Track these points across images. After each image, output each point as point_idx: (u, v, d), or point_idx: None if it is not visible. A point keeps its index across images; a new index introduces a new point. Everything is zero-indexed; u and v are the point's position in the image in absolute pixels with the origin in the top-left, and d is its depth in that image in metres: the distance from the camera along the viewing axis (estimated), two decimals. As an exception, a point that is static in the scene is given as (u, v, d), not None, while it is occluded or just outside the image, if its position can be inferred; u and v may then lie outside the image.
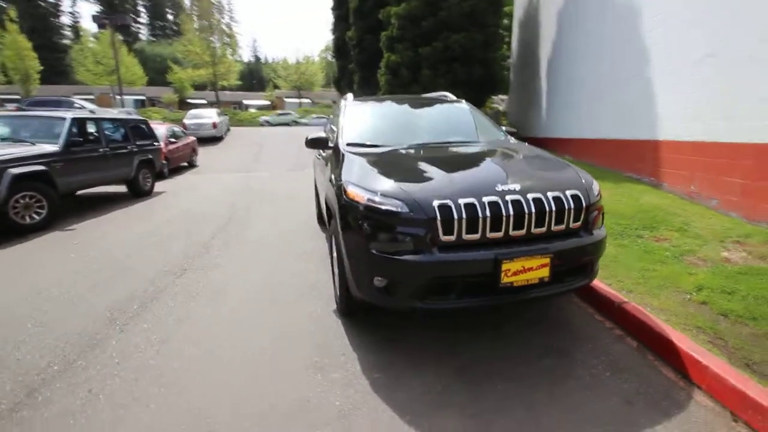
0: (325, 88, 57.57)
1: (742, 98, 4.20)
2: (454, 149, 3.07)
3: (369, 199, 2.18)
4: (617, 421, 1.79)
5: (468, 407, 1.89)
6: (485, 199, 2.07)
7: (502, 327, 2.60)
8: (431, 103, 3.93)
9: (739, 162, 4.27)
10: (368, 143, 3.11)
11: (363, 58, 14.93)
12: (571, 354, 2.30)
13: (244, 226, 5.42)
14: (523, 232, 2.09)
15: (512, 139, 3.49)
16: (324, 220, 4.86)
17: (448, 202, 2.05)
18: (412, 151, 2.94)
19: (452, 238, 2.04)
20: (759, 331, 2.27)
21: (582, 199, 2.20)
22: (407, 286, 2.10)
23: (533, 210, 2.08)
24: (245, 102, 51.36)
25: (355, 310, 2.68)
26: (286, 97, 49.67)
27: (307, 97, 50.47)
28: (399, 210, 2.07)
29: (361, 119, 3.48)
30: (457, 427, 1.78)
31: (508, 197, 2.09)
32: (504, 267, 2.01)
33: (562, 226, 2.17)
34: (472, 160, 2.78)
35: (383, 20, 12.32)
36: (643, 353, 2.28)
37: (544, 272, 2.09)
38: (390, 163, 2.62)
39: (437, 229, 2.03)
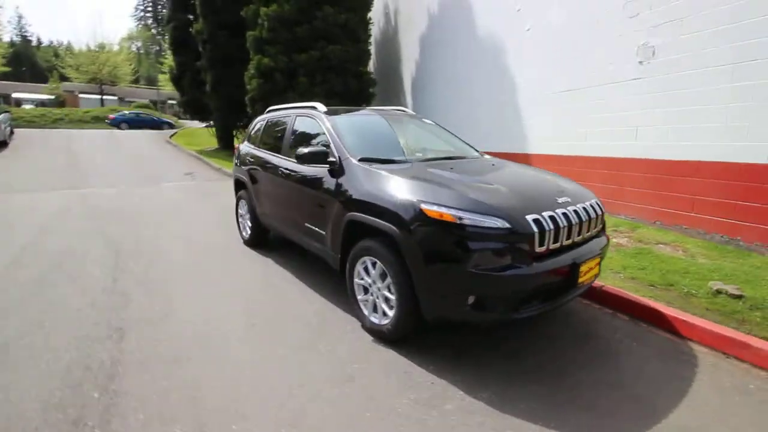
0: (137, 84, 48.81)
1: (589, 125, 5.71)
2: (470, 163, 3.21)
3: (462, 218, 2.15)
4: (643, 374, 2.30)
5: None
6: (558, 211, 2.32)
7: (522, 327, 2.91)
8: (400, 116, 3.98)
9: (594, 171, 5.77)
10: (381, 158, 2.98)
11: (217, 56, 13.41)
12: (593, 333, 2.77)
13: (146, 260, 4.30)
14: (583, 236, 2.44)
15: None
16: (258, 241, 4.52)
17: (537, 216, 2.22)
18: (435, 164, 2.97)
19: (543, 249, 2.22)
20: (683, 291, 3.22)
21: (602, 206, 2.70)
22: (508, 299, 2.17)
23: (589, 217, 2.45)
24: (15, 95, 38.98)
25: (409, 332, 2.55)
26: (82, 93, 39.90)
27: (111, 94, 41.71)
28: (501, 226, 2.13)
29: (353, 133, 3.28)
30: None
31: (569, 207, 2.40)
32: (580, 269, 2.31)
33: (597, 230, 2.61)
34: (508, 174, 2.97)
35: (247, 18, 11.39)
36: (636, 323, 2.94)
37: (597, 269, 2.48)
38: (437, 179, 2.59)
39: (534, 242, 2.17)
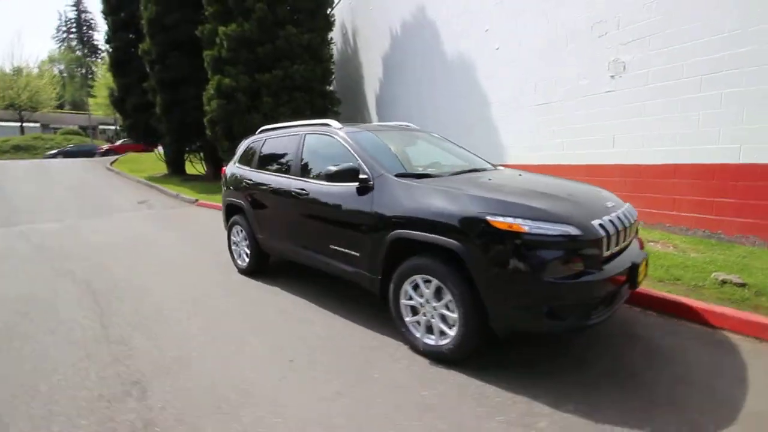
0: (61, 110, 44.90)
1: (566, 135, 6.07)
2: (501, 174, 3.19)
3: (532, 227, 2.12)
4: (701, 366, 2.40)
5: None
6: (612, 215, 2.37)
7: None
8: (410, 131, 3.94)
9: (576, 178, 6.10)
10: (416, 173, 2.90)
11: (167, 77, 12.66)
12: (636, 334, 2.85)
13: (132, 300, 3.87)
14: (631, 239, 2.51)
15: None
16: (258, 269, 4.30)
17: (600, 220, 2.25)
18: (471, 177, 2.94)
19: (608, 253, 2.25)
20: (691, 284, 3.42)
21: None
22: (582, 306, 2.15)
23: (629, 221, 2.53)
24: None
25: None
26: (-2, 120, 35.88)
27: (33, 120, 37.91)
28: (574, 233, 2.12)
29: (377, 149, 3.17)
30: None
31: (618, 212, 2.46)
32: (639, 270, 2.37)
33: (635, 234, 2.71)
34: (549, 183, 2.96)
35: (203, 38, 10.94)
36: (666, 318, 3.06)
37: (646, 270, 2.56)
38: (490, 191, 2.54)
39: (602, 246, 2.19)
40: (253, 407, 2.16)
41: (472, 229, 2.24)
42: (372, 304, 3.42)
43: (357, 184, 2.93)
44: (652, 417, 1.98)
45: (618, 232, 2.34)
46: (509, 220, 2.17)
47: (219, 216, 8.58)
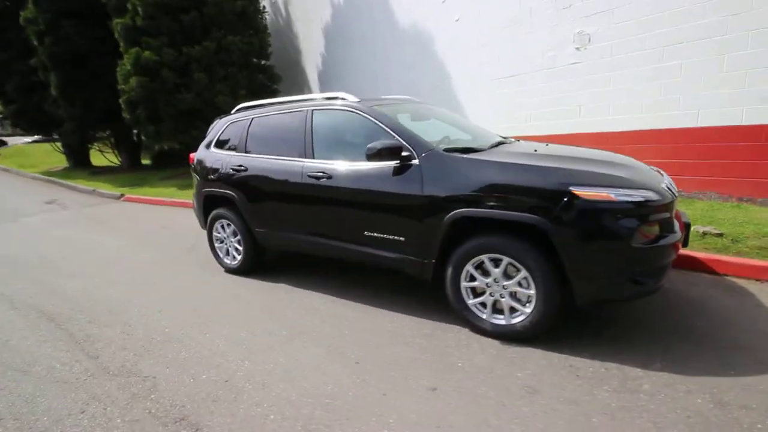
0: None
1: (532, 107, 6.31)
2: (539, 145, 3.08)
3: (619, 195, 2.10)
4: (723, 306, 2.68)
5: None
6: (666, 179, 2.46)
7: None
8: (419, 104, 3.71)
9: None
10: (459, 147, 2.73)
11: (62, 51, 10.55)
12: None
13: (115, 322, 3.34)
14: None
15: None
16: (255, 266, 3.91)
17: (664, 184, 2.32)
18: (517, 149, 2.85)
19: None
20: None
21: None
22: (659, 269, 2.22)
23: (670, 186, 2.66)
24: None
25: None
26: None
27: None
28: (654, 198, 2.15)
29: (409, 124, 2.92)
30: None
31: (665, 175, 2.57)
32: (690, 229, 2.51)
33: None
34: (592, 152, 2.91)
35: (109, 4, 9.24)
36: (679, 271, 3.35)
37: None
38: (558, 161, 2.45)
39: (672, 209, 2.26)
40: (350, 423, 1.90)
41: (556, 202, 2.16)
42: (403, 291, 3.25)
43: (396, 162, 2.67)
44: (733, 362, 2.13)
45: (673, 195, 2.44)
46: (596, 190, 2.13)
47: (160, 212, 7.69)
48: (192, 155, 4.27)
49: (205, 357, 2.55)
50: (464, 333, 2.61)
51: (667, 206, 2.24)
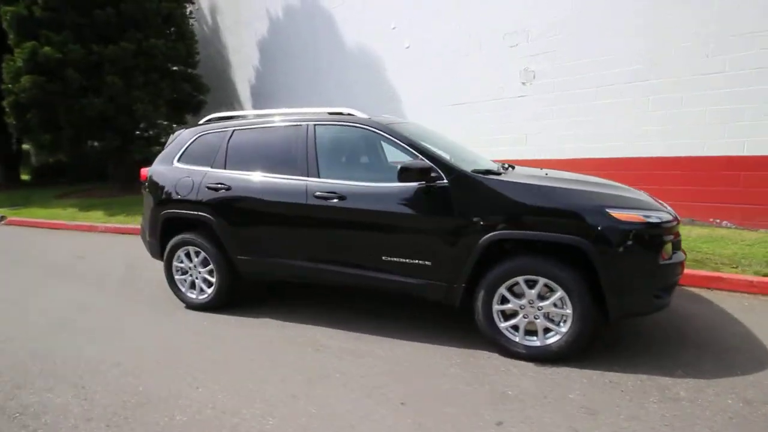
0: None
1: (481, 133, 6.74)
2: (546, 171, 3.19)
3: (649, 216, 2.29)
4: (680, 313, 3.10)
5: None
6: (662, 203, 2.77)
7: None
8: (412, 124, 3.66)
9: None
10: (482, 169, 2.73)
11: None
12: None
13: (71, 388, 2.62)
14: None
15: None
16: (230, 298, 3.41)
17: (668, 209, 2.58)
18: (530, 173, 2.94)
19: (673, 236, 2.62)
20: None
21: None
22: (673, 284, 2.45)
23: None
24: None
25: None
26: None
27: None
28: (669, 219, 2.38)
29: (428, 143, 2.84)
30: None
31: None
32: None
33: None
34: (589, 179, 3.06)
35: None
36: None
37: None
38: (581, 185, 2.60)
39: (677, 231, 2.52)
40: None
41: (596, 223, 2.27)
42: (411, 318, 3.10)
43: (422, 183, 2.57)
44: (732, 363, 2.40)
45: (671, 217, 2.75)
46: (628, 212, 2.29)
47: (64, 238, 6.65)
48: (144, 171, 3.62)
49: (212, 418, 2.08)
50: (495, 358, 2.55)
51: (677, 226, 2.51)
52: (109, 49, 7.79)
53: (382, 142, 3.01)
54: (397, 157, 3.01)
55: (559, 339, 2.42)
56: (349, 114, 3.02)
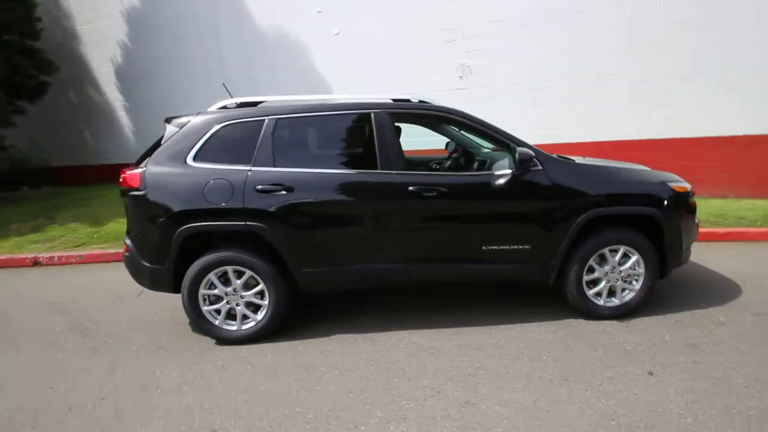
0: None
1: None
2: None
3: (686, 185, 2.90)
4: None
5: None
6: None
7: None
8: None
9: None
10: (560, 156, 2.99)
11: None
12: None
13: None
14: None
15: None
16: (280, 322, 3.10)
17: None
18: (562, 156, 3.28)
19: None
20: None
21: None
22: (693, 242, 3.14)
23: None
24: None
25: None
26: None
27: None
28: (692, 187, 3.02)
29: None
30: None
31: None
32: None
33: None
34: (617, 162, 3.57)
35: None
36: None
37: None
38: (622, 165, 3.08)
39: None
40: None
41: (666, 195, 2.75)
42: (479, 304, 3.15)
43: (515, 171, 2.66)
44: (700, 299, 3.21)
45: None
46: (678, 183, 2.84)
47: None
48: (131, 174, 2.66)
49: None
50: (585, 323, 2.82)
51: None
52: None
53: (461, 130, 2.93)
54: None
55: (635, 295, 2.86)
56: (420, 101, 2.85)
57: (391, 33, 6.79)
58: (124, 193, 2.76)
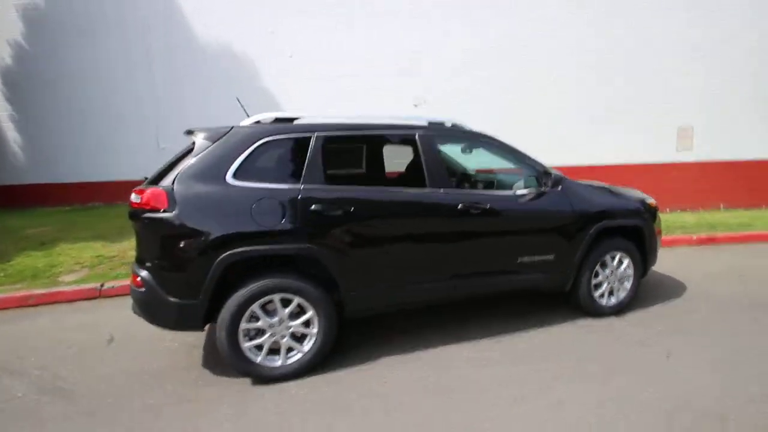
0: None
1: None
2: None
3: (655, 202, 3.55)
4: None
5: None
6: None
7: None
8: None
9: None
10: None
11: None
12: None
13: None
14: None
15: None
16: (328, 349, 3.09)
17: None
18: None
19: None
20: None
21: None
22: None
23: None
24: None
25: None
26: None
27: None
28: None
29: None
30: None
31: None
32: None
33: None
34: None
35: None
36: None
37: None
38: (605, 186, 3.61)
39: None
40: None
41: (646, 209, 3.34)
42: (494, 313, 3.36)
43: (540, 188, 2.99)
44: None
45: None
46: (650, 199, 3.46)
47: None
48: (149, 192, 2.26)
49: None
50: (590, 319, 3.22)
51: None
52: None
53: (487, 150, 3.11)
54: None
55: (627, 294, 3.35)
56: (453, 125, 3.04)
57: (348, 63, 6.94)
58: (137, 215, 2.33)
